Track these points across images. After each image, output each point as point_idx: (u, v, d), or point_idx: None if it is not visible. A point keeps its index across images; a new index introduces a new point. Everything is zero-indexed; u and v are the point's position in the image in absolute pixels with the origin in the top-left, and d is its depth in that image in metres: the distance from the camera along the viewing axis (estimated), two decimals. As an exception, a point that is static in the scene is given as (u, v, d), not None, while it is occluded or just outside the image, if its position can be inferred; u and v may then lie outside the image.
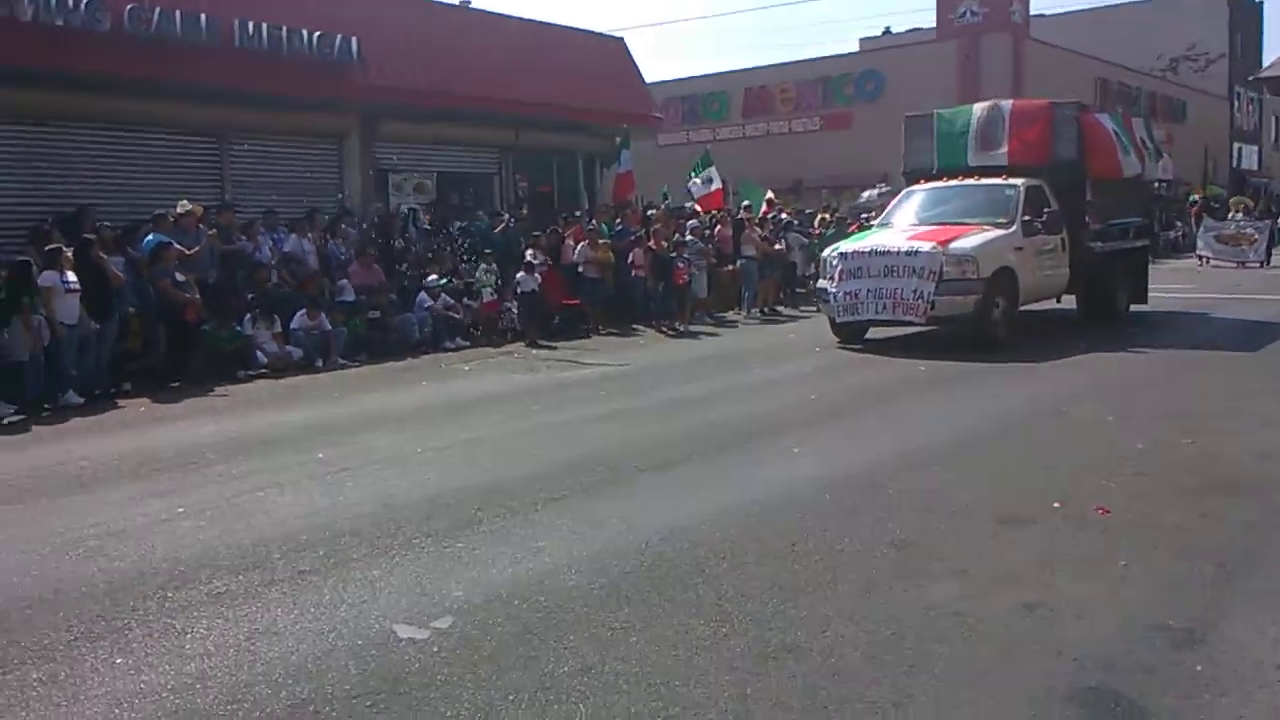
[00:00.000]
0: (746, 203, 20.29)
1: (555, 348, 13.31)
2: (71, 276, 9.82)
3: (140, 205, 12.93)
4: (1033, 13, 36.71)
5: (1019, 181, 12.62)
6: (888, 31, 51.67)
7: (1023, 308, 12.48)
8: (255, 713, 3.38)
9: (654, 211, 18.65)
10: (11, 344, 9.41)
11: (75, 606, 4.38)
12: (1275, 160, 52.26)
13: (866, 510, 5.42)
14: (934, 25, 36.63)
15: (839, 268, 11.96)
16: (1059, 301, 14.08)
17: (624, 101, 20.57)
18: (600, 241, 15.38)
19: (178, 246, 11.13)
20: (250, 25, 14.42)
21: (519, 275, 14.13)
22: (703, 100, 37.87)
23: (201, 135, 14.94)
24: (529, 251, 14.82)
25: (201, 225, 12.06)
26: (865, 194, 25.33)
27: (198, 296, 11.09)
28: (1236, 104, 48.73)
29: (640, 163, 19.79)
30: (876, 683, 3.46)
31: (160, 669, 3.73)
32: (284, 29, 14.82)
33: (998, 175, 12.98)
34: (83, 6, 12.77)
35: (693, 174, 19.76)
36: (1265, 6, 51.57)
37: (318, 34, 15.19)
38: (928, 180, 13.67)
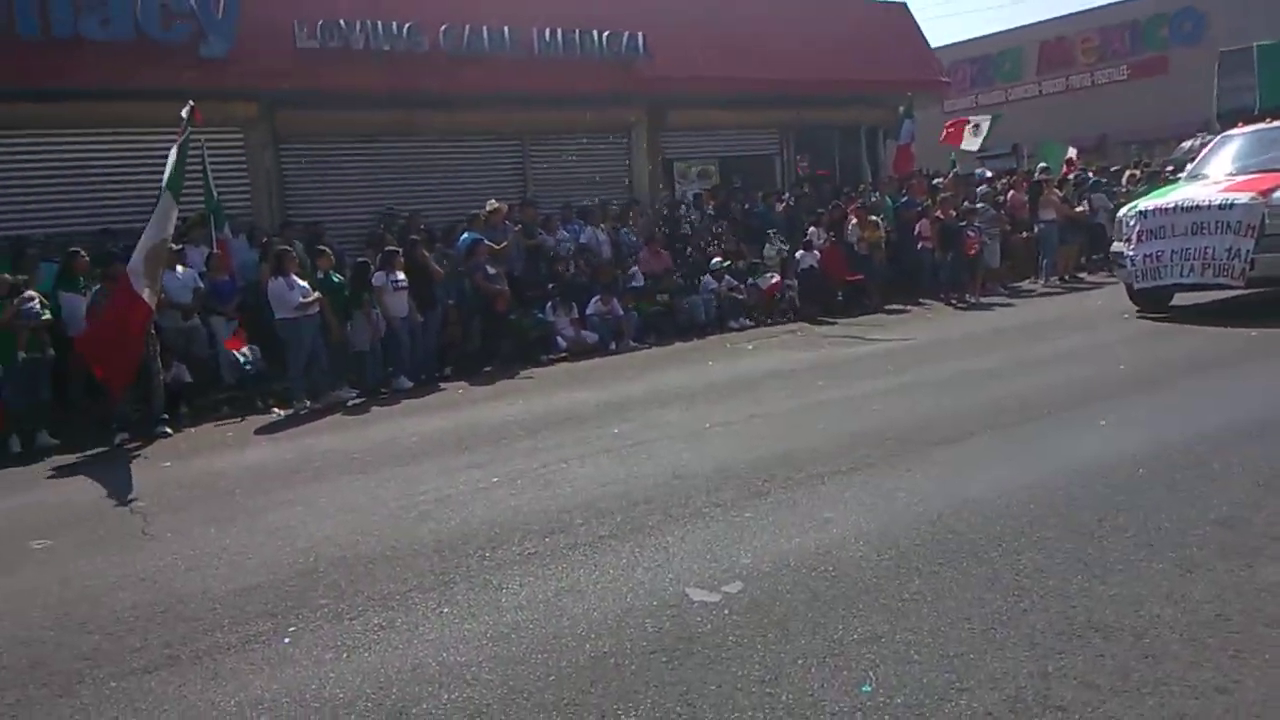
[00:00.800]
0: (1044, 164, 18.96)
1: (838, 324, 13.15)
2: (400, 275, 10.96)
3: (457, 207, 14.23)
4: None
5: None
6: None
7: None
8: (562, 662, 3.66)
9: (940, 180, 17.89)
10: (355, 336, 10.68)
11: (409, 562, 4.93)
12: None
13: (1186, 485, 4.96)
14: (1267, -52, 32.27)
15: (1137, 228, 10.85)
16: None
17: (907, 68, 19.82)
18: (870, 219, 14.90)
19: (488, 243, 12.10)
20: (547, 32, 15.41)
21: (799, 253, 14.14)
22: (993, 60, 35.70)
23: (507, 138, 16.13)
24: (811, 229, 14.77)
25: (507, 222, 13.04)
26: (1185, 144, 22.83)
27: (506, 288, 12.01)
28: None
29: (926, 130, 19.03)
30: (1197, 666, 3.19)
31: (480, 619, 4.13)
32: (577, 32, 15.70)
33: None
34: (405, 32, 14.22)
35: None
36: None
37: (607, 33, 15.93)
38: (1249, 123, 12.10)
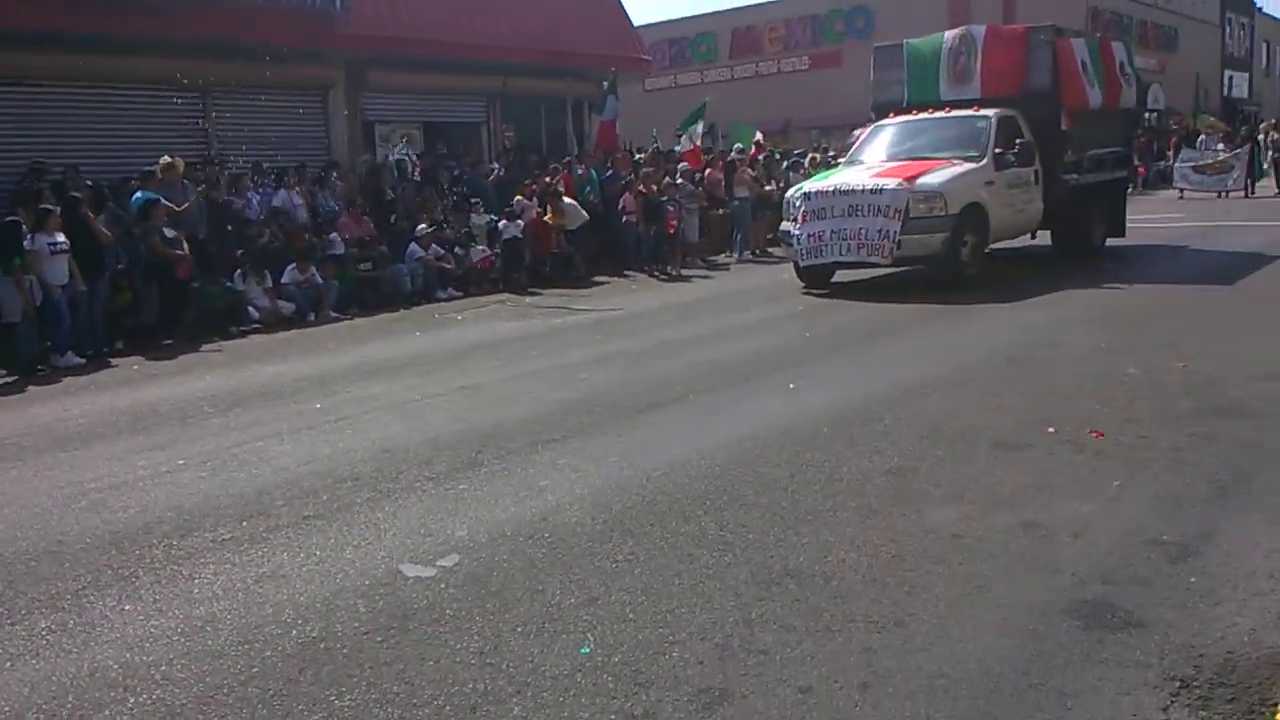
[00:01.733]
0: (738, 145, 20.12)
1: (546, 295, 13.29)
2: (59, 237, 9.74)
3: (125, 163, 12.81)
4: (1023, -58, 36.01)
5: (991, 112, 12.13)
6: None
7: (996, 245, 12.15)
8: (266, 651, 3.43)
9: (642, 156, 18.50)
10: (5, 305, 9.38)
11: (81, 557, 4.41)
12: (1266, 87, 51.79)
13: (863, 440, 5.47)
14: (923, -42, 35.95)
15: (802, 209, 11.50)
16: (1034, 237, 13.65)
17: (612, 44, 20.28)
18: (560, 204, 14.73)
19: (166, 203, 11.02)
20: (231, -25, 14.16)
21: (501, 223, 14.09)
22: (691, 42, 37.39)
23: (184, 90, 14.70)
24: (517, 199, 14.74)
25: (187, 181, 11.94)
26: (856, 132, 25.03)
27: (187, 252, 11.01)
28: (1229, 30, 48.15)
29: (628, 107, 19.56)
30: (878, 603, 3.52)
31: (169, 614, 3.78)
32: (266, -22, 14.56)
33: (971, 107, 12.43)
34: (61, -39, 12.51)
35: (688, 126, 19.53)
36: (1257, -70, 50.60)
37: (301, -18, 14.92)
38: (899, 114, 13.08)
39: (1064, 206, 12.71)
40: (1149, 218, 17.29)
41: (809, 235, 11.37)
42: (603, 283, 14.37)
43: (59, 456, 6.20)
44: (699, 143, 18.98)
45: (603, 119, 18.21)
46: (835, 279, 12.05)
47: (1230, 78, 48.38)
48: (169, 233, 10.84)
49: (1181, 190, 23.23)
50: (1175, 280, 11.40)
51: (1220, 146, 24.25)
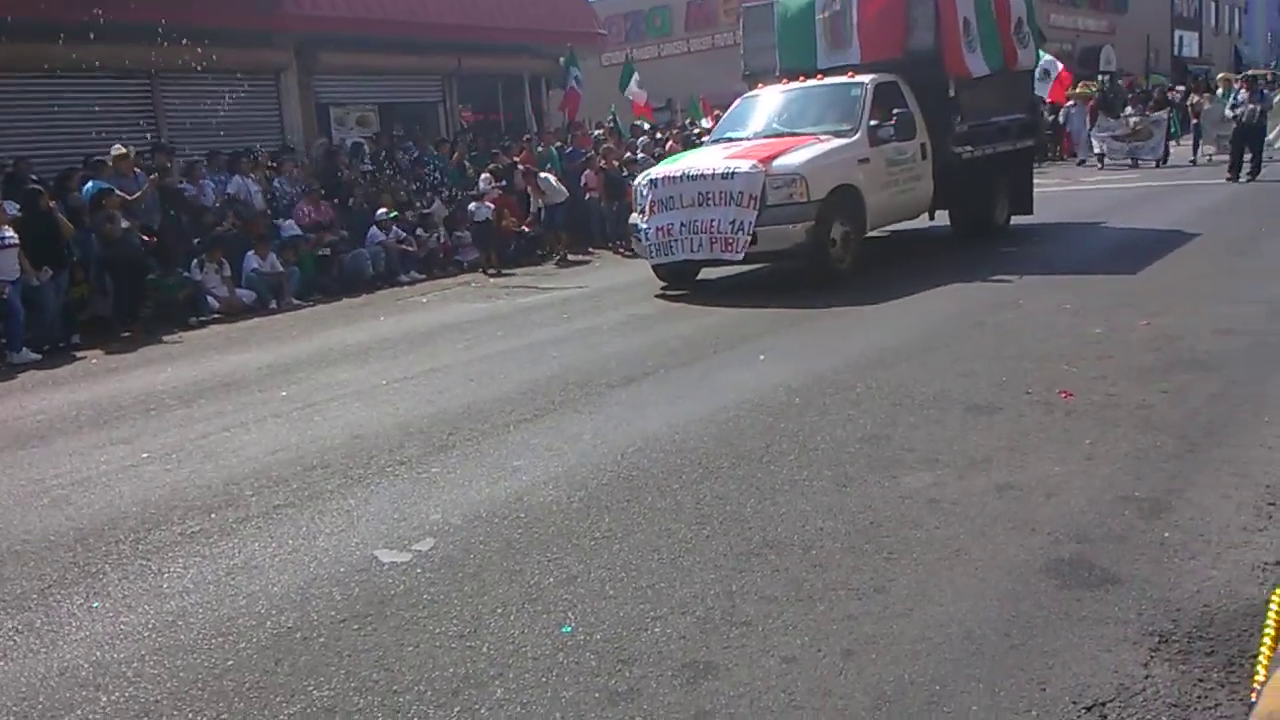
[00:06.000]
0: (690, 119, 20.06)
1: (512, 274, 13.18)
2: (8, 231, 9.49)
3: (70, 153, 12.50)
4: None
5: (866, 79, 10.45)
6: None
7: (887, 229, 11.05)
8: (240, 643, 3.37)
9: (601, 131, 18.38)
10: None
11: (46, 555, 4.32)
12: (1216, 47, 52.43)
13: (836, 409, 5.47)
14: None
15: (650, 198, 9.94)
16: (933, 218, 12.18)
17: (567, 20, 20.06)
18: (540, 181, 14.51)
19: (119, 193, 10.76)
20: (174, -42, 13.78)
21: (471, 205, 13.91)
22: (645, 16, 37.09)
23: (132, 77, 14.36)
24: (481, 178, 14.56)
25: (138, 170, 11.67)
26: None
27: (139, 242, 10.76)
28: (1178, -10, 48.55)
29: (585, 82, 19.42)
30: (858, 570, 3.52)
31: (139, 609, 3.71)
32: (209, -40, 14.20)
33: (847, 74, 10.74)
34: (-4, -55, 12.11)
35: (625, 86, 19.55)
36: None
37: (246, -37, 14.58)
38: (766, 85, 11.49)
39: (958, 183, 11.19)
40: (1062, 189, 17.01)
41: (657, 229, 9.80)
42: (567, 262, 14.25)
43: (18, 454, 6.06)
44: (644, 100, 18.95)
45: (568, 89, 18.04)
46: (701, 276, 10.49)
47: (1180, 37, 48.86)
48: (124, 223, 10.59)
49: (1101, 160, 21.94)
50: (1071, 270, 9.50)
51: (1129, 110, 22.50)
